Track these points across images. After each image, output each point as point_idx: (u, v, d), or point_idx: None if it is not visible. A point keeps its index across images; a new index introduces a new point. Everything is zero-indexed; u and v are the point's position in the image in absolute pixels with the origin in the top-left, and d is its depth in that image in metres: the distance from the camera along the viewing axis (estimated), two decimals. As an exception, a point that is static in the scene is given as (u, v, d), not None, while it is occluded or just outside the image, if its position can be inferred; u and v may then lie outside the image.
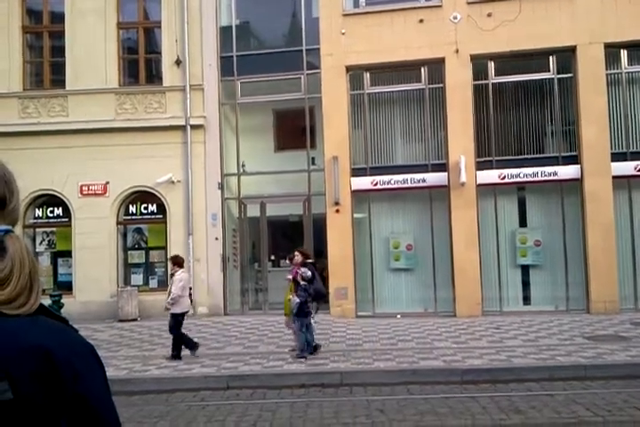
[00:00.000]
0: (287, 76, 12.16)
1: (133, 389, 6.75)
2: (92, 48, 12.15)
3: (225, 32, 12.44)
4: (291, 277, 8.03)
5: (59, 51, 12.51)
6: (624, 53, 11.46)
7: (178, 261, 8.26)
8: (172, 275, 8.28)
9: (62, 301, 9.27)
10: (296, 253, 8.06)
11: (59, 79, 12.46)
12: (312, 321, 8.05)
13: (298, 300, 7.67)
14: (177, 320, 8.01)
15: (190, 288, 8.58)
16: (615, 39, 11.22)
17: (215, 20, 12.24)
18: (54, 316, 1.00)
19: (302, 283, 7.80)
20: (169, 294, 8.01)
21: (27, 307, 0.94)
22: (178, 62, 12.09)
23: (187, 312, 8.26)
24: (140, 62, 12.56)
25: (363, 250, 11.86)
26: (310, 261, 8.23)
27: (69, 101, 12.21)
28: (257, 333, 10.02)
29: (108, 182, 11.98)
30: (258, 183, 12.29)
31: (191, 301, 8.62)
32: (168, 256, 11.45)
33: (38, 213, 12.32)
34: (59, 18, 12.51)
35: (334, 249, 11.59)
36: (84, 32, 12.22)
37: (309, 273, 7.76)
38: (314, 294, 7.84)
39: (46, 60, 12.65)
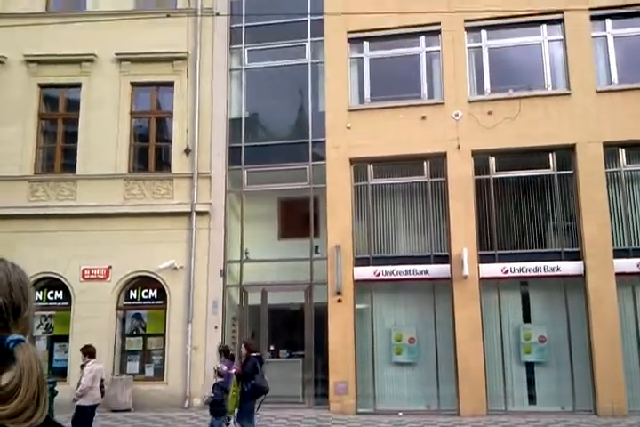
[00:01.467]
0: (293, 166, 13.49)
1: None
2: (104, 135, 13.60)
3: (234, 123, 13.93)
4: (225, 367, 8.51)
5: (72, 136, 13.99)
6: (622, 152, 12.75)
7: (89, 351, 8.57)
8: (83, 366, 8.49)
9: (56, 388, 9.87)
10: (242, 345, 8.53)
11: (69, 164, 13.85)
12: (255, 417, 8.31)
13: (210, 397, 7.96)
14: (85, 413, 8.12)
15: (102, 380, 8.67)
16: (613, 138, 12.53)
17: (225, 112, 13.76)
18: None
19: (218, 379, 8.15)
20: (78, 385, 8.20)
21: (32, 421, 0.96)
22: (187, 151, 13.47)
23: (97, 405, 8.40)
24: (150, 150, 13.98)
25: (364, 342, 12.65)
26: (255, 354, 8.58)
27: (78, 186, 13.52)
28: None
29: (110, 267, 13.03)
30: (260, 271, 13.30)
31: (102, 393, 8.62)
32: (166, 343, 12.32)
33: (38, 295, 13.29)
34: (74, 105, 14.08)
35: (335, 340, 12.40)
36: (98, 120, 13.72)
37: (225, 368, 8.27)
38: (253, 391, 8.05)
39: (59, 146, 14.11)
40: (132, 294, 13.29)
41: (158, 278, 13.06)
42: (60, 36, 14.01)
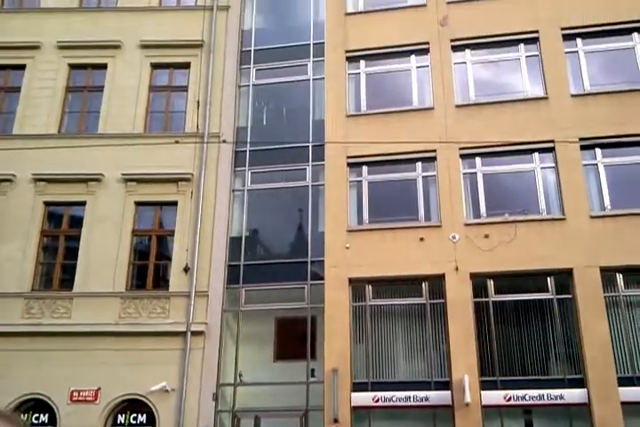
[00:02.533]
0: (291, 285, 14.27)
1: None
2: (104, 253, 14.56)
3: (234, 242, 14.96)
4: None
5: (72, 253, 14.93)
6: (620, 277, 13.56)
7: None
8: None
9: None
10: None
11: (68, 280, 14.66)
12: None
13: None
14: None
15: None
16: (609, 264, 13.39)
17: (226, 231, 14.82)
18: None
19: None
20: None
21: None
22: (186, 269, 14.34)
23: None
24: (150, 268, 14.87)
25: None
26: None
27: (74, 304, 14.23)
28: None
29: (99, 388, 13.35)
30: (254, 395, 13.60)
31: None
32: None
33: (23, 418, 13.46)
34: (77, 223, 15.19)
35: (331, 473, 12.40)
36: (100, 237, 14.77)
37: None
38: None
39: (58, 262, 15.03)
40: (120, 418, 13.48)
41: (148, 402, 13.32)
42: (69, 156, 15.45)
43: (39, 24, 17.60)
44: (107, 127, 16.26)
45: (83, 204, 15.34)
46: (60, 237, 15.39)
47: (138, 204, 15.35)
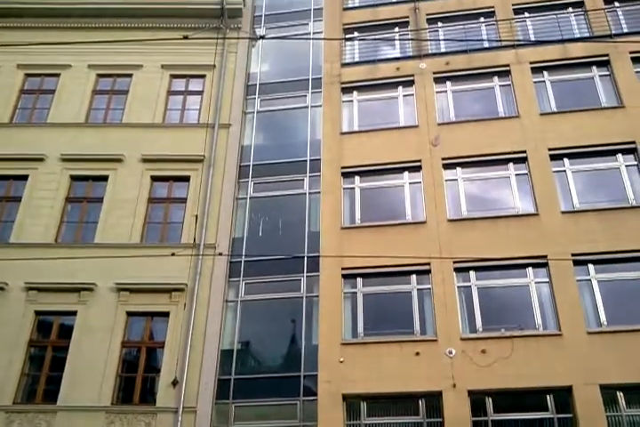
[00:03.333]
0: (283, 402, 14.28)
1: None
2: (92, 364, 14.71)
3: (225, 354, 15.16)
4: None
5: (59, 363, 15.01)
6: (621, 396, 13.70)
7: None
8: None
9: None
10: None
11: (52, 392, 14.65)
12: None
13: None
14: None
15: None
16: (609, 381, 13.61)
17: (218, 344, 15.07)
18: None
19: None
20: None
21: None
22: (174, 383, 14.43)
23: None
24: (137, 380, 14.91)
25: None
26: None
27: (57, 417, 14.14)
28: None
29: None
30: None
31: None
32: None
33: None
34: (67, 332, 15.43)
35: None
36: (88, 348, 14.99)
37: None
38: None
39: (44, 374, 15.07)
40: None
41: None
42: (63, 265, 15.95)
43: (45, 137, 18.93)
44: (103, 237, 16.99)
45: (74, 313, 15.66)
46: (48, 348, 15.53)
47: (129, 314, 15.70)
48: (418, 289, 15.75)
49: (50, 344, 15.61)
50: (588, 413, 13.36)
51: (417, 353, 14.48)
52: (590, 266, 15.52)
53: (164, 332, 15.41)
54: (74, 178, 18.31)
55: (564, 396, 13.80)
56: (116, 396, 14.67)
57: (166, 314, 15.63)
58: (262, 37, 18.06)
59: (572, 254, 15.50)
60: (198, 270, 16.11)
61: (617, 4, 20.93)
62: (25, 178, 18.26)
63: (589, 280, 15.38)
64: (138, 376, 15.01)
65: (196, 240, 16.51)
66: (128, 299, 15.83)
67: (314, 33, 21.48)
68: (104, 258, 15.91)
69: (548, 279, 15.44)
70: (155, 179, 18.18)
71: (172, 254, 15.75)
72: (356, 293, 15.85)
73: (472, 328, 15.00)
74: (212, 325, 15.39)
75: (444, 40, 20.92)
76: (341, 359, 14.53)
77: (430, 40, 20.89)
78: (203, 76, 20.46)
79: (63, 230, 17.43)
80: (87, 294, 15.93)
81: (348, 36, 21.66)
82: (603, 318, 14.71)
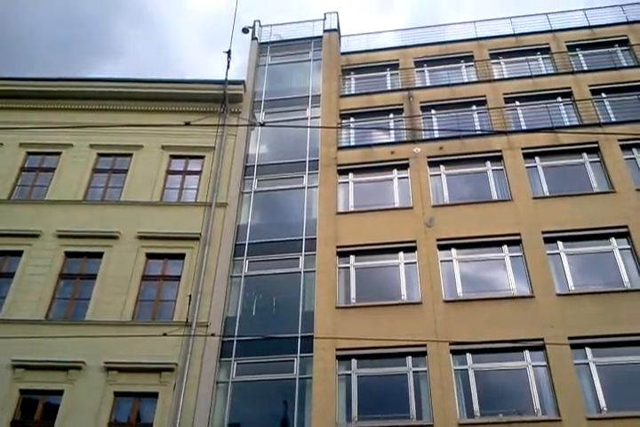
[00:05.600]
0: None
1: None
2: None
3: None
4: None
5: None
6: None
7: None
8: None
9: None
10: None
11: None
12: None
13: None
14: None
15: None
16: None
17: (207, 424, 15.02)
18: None
19: None
20: None
21: None
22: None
23: None
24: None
25: None
26: None
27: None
28: None
29: None
30: None
31: None
32: None
33: None
34: (52, 412, 15.40)
35: None
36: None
37: None
38: None
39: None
40: None
41: None
42: (52, 342, 16.12)
43: (42, 214, 19.63)
44: (95, 314, 17.29)
45: (60, 393, 15.71)
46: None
47: (117, 394, 15.75)
48: (414, 371, 15.94)
49: (34, 425, 15.55)
50: None
51: (413, 437, 14.51)
52: (588, 349, 15.82)
53: (151, 413, 15.42)
54: (68, 254, 18.84)
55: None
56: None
57: (155, 395, 15.69)
58: (262, 125, 19.23)
59: (569, 338, 15.84)
60: (189, 350, 16.32)
61: (604, 94, 22.41)
62: (19, 254, 18.77)
63: (587, 364, 15.62)
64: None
65: (189, 319, 16.82)
66: (116, 378, 15.93)
67: (311, 118, 22.77)
68: (94, 337, 16.14)
69: (545, 363, 15.69)
70: (149, 256, 18.72)
71: (164, 335, 16.00)
72: (350, 374, 16.02)
73: (469, 413, 15.09)
74: (201, 406, 15.43)
75: (438, 130, 22.20)
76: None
77: (424, 130, 22.16)
78: (202, 157, 21.48)
79: (54, 307, 17.73)
80: (75, 373, 16.03)
81: (344, 122, 22.97)
82: (602, 403, 14.86)
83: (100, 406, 15.42)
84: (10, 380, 15.97)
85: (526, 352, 15.97)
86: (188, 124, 13.96)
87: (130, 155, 21.59)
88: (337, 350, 16.29)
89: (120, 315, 17.24)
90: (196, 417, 15.23)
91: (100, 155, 21.72)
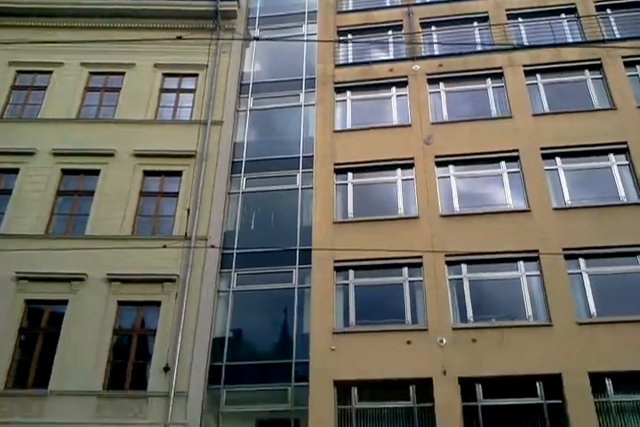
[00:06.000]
0: (274, 387, 15.27)
1: None
2: (83, 351, 15.58)
3: (217, 342, 16.16)
4: None
5: (50, 351, 15.92)
6: (609, 383, 14.76)
7: None
8: None
9: None
10: None
11: (43, 378, 15.51)
12: None
13: None
14: None
15: None
16: (598, 369, 14.66)
17: (209, 332, 16.06)
18: None
19: None
20: None
21: None
22: (166, 369, 15.35)
23: None
24: (128, 367, 15.80)
25: None
26: None
27: (48, 402, 15.01)
28: None
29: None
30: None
31: None
32: None
33: None
34: (57, 320, 16.35)
35: None
36: (79, 336, 15.82)
37: None
38: None
39: (34, 360, 15.93)
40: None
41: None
42: (53, 256, 16.90)
43: (37, 132, 20.02)
44: (94, 229, 18.00)
45: (64, 302, 16.60)
46: (39, 336, 16.41)
47: (121, 303, 16.65)
48: (409, 281, 16.81)
49: (41, 332, 16.52)
50: (576, 399, 14.34)
51: (408, 342, 15.48)
52: (581, 260, 16.62)
53: (155, 320, 16.34)
54: (65, 172, 19.36)
55: (553, 383, 14.79)
56: (107, 382, 15.52)
57: (158, 303, 16.57)
58: (257, 39, 19.31)
59: (563, 249, 16.63)
60: (190, 262, 17.12)
61: (609, 10, 22.52)
62: (16, 171, 19.30)
63: (580, 273, 16.48)
64: (129, 363, 15.90)
65: (188, 233, 17.57)
66: (119, 289, 16.77)
67: (307, 35, 22.89)
68: (95, 249, 16.94)
69: (539, 272, 16.52)
70: (147, 173, 19.30)
71: (164, 246, 16.83)
72: (347, 284, 16.90)
73: (463, 318, 16.06)
74: (203, 314, 16.35)
75: (438, 44, 22.40)
76: (333, 347, 15.51)
77: (424, 44, 22.36)
78: (195, 75, 21.70)
79: (54, 222, 18.39)
80: (78, 284, 16.86)
81: (341, 38, 23.11)
82: (593, 309, 15.80)
83: (104, 314, 16.30)
84: (14, 291, 16.78)
85: (520, 263, 16.79)
86: (180, 38, 14.23)
87: (122, 73, 21.80)
88: (335, 261, 17.10)
89: (120, 229, 17.93)
90: (198, 324, 16.15)
91: (92, 73, 21.88)
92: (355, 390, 15.16)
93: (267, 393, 15.23)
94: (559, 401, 14.60)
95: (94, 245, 17.27)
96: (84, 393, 15.16)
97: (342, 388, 15.18)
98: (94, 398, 15.13)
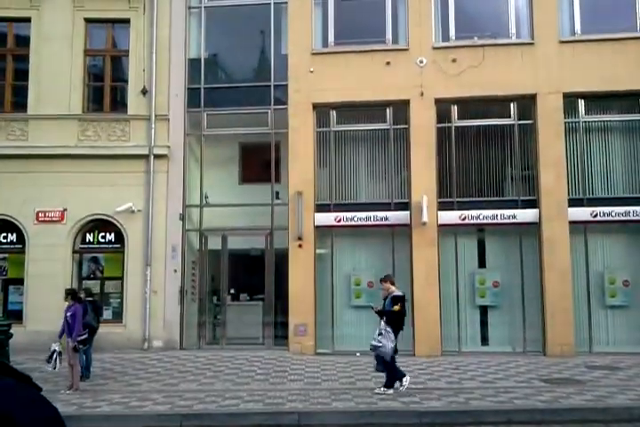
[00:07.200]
0: (254, 110, 16.00)
1: (82, 426, 8.05)
2: (56, 73, 15.78)
3: (193, 64, 16.31)
4: None
5: (22, 74, 16.10)
6: (581, 103, 15.69)
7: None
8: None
9: (11, 331, 11.91)
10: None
11: (20, 103, 16.02)
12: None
13: None
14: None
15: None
16: (573, 89, 15.42)
17: (184, 52, 16.08)
18: (16, 374, 1.19)
19: None
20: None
21: None
22: (144, 92, 15.82)
23: None
24: (106, 90, 16.26)
25: (324, 286, 15.48)
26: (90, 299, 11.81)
27: (30, 126, 15.75)
28: (213, 369, 12.84)
29: (65, 209, 15.42)
30: (220, 216, 15.91)
31: None
32: (124, 287, 14.91)
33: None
34: (24, 42, 16.17)
35: (295, 284, 15.16)
36: (50, 57, 15.89)
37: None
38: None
39: (8, 84, 16.22)
40: (89, 237, 15.76)
41: (115, 222, 15.52)
42: None
43: None
44: None
45: (27, 20, 16.19)
46: (8, 57, 16.40)
47: (88, 20, 16.26)
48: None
49: (8, 53, 16.45)
50: (547, 119, 15.37)
51: (387, 63, 15.80)
52: None
53: (126, 40, 16.25)
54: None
55: (527, 104, 15.68)
56: (86, 105, 16.14)
57: (127, 21, 16.24)
58: None
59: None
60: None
61: None
62: None
63: None
64: (105, 85, 16.33)
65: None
66: (84, 4, 16.17)
67: None
68: None
69: None
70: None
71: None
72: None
73: (445, 37, 16.13)
74: (175, 33, 16.12)
75: None
76: (311, 69, 15.83)
77: None
78: None
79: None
80: None
81: None
82: (577, 27, 15.88)
83: (72, 34, 16.06)
84: (-29, 7, 16.21)
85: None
86: None
87: None
88: None
89: None
90: (172, 44, 16.04)
91: None
92: (333, 113, 15.95)
93: (247, 116, 15.95)
94: (531, 121, 15.61)
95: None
96: (64, 116, 15.76)
97: (321, 111, 15.94)
98: (75, 121, 15.80)
